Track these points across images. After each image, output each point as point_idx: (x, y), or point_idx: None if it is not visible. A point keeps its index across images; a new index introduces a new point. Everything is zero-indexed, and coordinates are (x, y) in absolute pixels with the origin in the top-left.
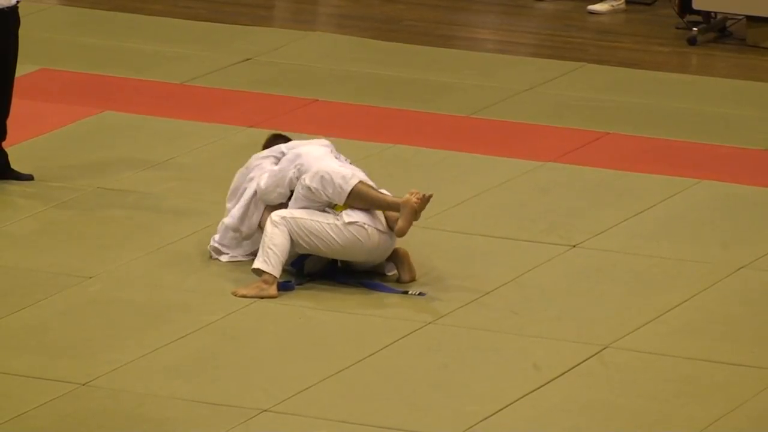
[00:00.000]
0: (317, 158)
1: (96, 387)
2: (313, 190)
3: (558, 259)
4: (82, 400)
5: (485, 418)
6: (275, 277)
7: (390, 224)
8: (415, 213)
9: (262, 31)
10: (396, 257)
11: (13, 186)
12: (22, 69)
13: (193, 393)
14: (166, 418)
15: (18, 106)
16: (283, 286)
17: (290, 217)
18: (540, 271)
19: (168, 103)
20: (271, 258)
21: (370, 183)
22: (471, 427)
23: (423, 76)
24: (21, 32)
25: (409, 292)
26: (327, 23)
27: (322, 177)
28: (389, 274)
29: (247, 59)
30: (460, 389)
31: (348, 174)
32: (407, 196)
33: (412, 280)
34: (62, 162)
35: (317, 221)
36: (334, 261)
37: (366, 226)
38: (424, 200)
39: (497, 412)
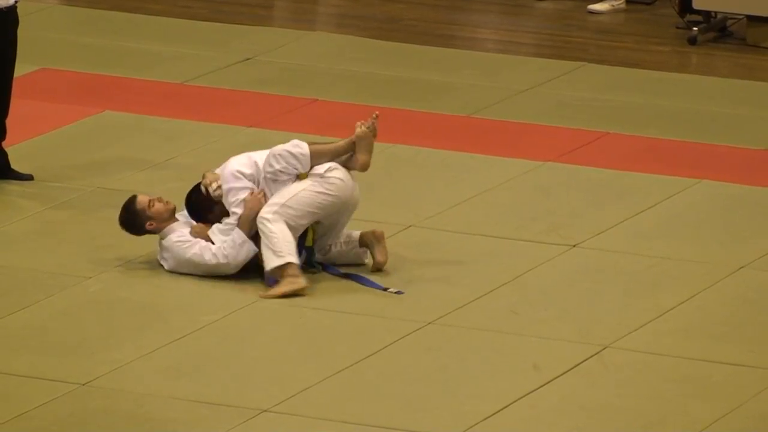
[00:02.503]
0: (234, 161)
1: (96, 387)
2: (282, 169)
3: (558, 259)
4: (82, 400)
5: (485, 418)
6: (297, 264)
7: (347, 167)
8: (371, 140)
9: (262, 30)
10: (373, 237)
11: (13, 186)
12: (22, 69)
13: (193, 393)
14: (166, 418)
15: (18, 105)
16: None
17: (279, 208)
18: (540, 271)
19: (168, 102)
20: (283, 249)
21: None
22: (471, 427)
23: (423, 76)
24: (21, 32)
25: (389, 290)
26: (327, 23)
27: (279, 155)
28: (366, 261)
29: (247, 59)
30: (459, 389)
31: (297, 142)
32: (358, 129)
33: (385, 261)
34: (62, 162)
35: (303, 190)
36: (308, 251)
37: (332, 167)
38: (375, 122)
39: (497, 412)
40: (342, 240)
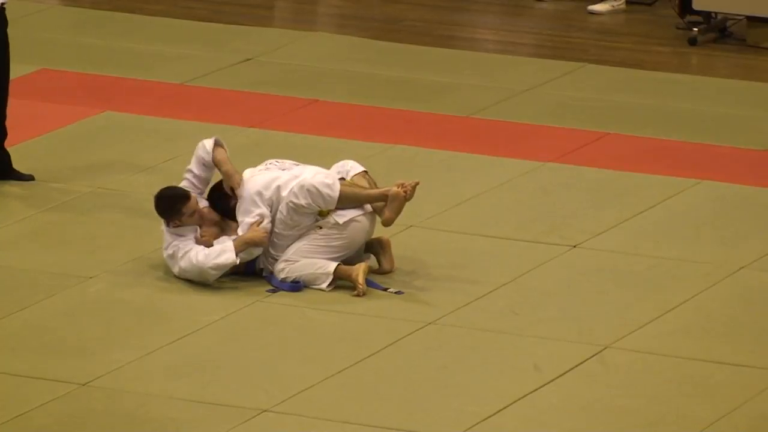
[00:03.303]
0: (254, 181)
1: (96, 387)
2: (306, 205)
3: (558, 260)
4: (82, 401)
5: (485, 419)
6: (336, 266)
7: (374, 209)
8: (403, 203)
9: (263, 31)
10: (379, 245)
11: (14, 186)
12: (22, 69)
13: (193, 393)
14: (167, 418)
15: (18, 106)
16: (292, 287)
17: (293, 255)
18: (540, 272)
19: (168, 103)
20: (320, 267)
21: (339, 175)
22: (471, 427)
23: (423, 77)
24: (21, 33)
25: (389, 290)
26: (327, 23)
27: (308, 191)
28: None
29: (248, 59)
30: (460, 389)
31: (329, 180)
32: (395, 188)
33: (392, 268)
34: (62, 162)
35: (308, 244)
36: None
37: (357, 218)
38: (413, 190)
39: (497, 412)
40: None
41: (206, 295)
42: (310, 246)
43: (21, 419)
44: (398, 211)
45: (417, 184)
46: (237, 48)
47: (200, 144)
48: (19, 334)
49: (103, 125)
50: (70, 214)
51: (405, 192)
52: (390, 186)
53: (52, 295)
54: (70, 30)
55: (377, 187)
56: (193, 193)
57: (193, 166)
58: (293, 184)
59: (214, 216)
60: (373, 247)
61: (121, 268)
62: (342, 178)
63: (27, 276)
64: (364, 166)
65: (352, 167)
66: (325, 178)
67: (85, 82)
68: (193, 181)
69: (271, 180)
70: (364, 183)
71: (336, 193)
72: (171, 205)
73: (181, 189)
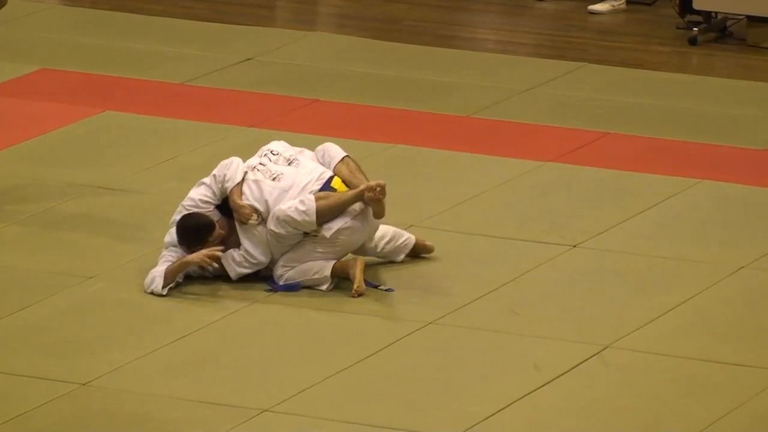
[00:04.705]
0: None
1: (96, 387)
2: (286, 234)
3: (558, 259)
4: (82, 401)
5: (486, 418)
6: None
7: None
8: (382, 203)
9: (263, 31)
10: (423, 248)
11: (13, 187)
12: (22, 69)
13: (193, 393)
14: (167, 418)
15: (18, 106)
16: (290, 287)
17: (288, 261)
18: (540, 271)
19: (168, 103)
20: (318, 270)
21: (318, 170)
22: (471, 427)
23: (423, 76)
24: (21, 33)
25: (380, 287)
26: (327, 23)
27: (285, 222)
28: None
29: (248, 59)
30: (460, 389)
31: (303, 207)
32: (368, 193)
33: (431, 246)
34: (62, 162)
35: (308, 251)
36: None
37: (346, 226)
38: (382, 191)
39: (498, 412)
40: (386, 241)
41: (206, 296)
42: (306, 252)
43: (21, 419)
44: (381, 209)
45: (383, 185)
46: (237, 48)
47: (231, 171)
48: (19, 334)
49: (103, 125)
50: (70, 213)
51: (377, 197)
52: (363, 185)
53: (53, 294)
54: (70, 30)
55: (360, 169)
56: (215, 217)
57: (221, 178)
58: (275, 208)
59: (226, 229)
60: (419, 249)
61: (121, 268)
62: (330, 177)
63: (27, 276)
64: (359, 162)
65: (333, 156)
66: (298, 204)
67: (85, 82)
68: (212, 195)
69: (261, 197)
70: (345, 171)
71: (312, 216)
72: (197, 236)
73: (204, 218)
